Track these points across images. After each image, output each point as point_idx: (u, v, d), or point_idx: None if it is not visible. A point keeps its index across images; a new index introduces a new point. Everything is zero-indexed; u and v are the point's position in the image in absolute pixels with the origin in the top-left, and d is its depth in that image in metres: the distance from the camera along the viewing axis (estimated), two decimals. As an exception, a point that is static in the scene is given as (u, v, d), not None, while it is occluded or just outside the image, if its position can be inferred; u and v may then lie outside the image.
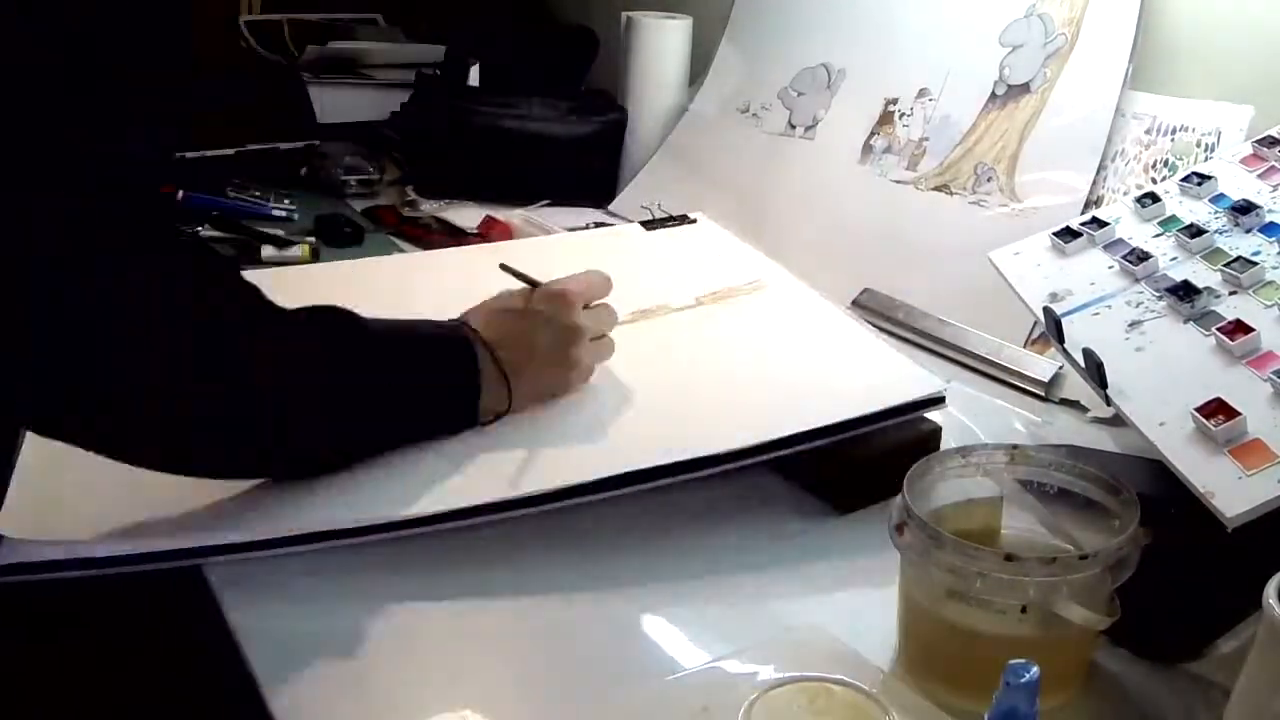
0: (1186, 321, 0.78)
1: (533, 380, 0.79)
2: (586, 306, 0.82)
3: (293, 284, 0.81)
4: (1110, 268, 0.85)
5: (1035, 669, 0.49)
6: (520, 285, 0.83)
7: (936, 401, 0.82)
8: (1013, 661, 0.50)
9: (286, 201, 1.34)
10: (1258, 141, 0.89)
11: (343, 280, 1.07)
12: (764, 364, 0.89)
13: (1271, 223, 0.82)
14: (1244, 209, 0.83)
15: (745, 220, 1.24)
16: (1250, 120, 0.97)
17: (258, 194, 1.34)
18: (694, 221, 1.15)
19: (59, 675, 0.81)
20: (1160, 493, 0.69)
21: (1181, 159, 1.00)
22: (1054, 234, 0.90)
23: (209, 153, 1.41)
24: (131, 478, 0.68)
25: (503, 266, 0.84)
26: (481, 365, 0.77)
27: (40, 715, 0.80)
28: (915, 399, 0.81)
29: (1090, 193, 1.03)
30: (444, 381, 0.77)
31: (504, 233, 1.26)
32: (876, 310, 1.08)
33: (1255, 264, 0.78)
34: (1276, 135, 0.88)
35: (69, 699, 0.81)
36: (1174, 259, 0.83)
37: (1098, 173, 1.03)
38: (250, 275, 0.70)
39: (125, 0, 0.66)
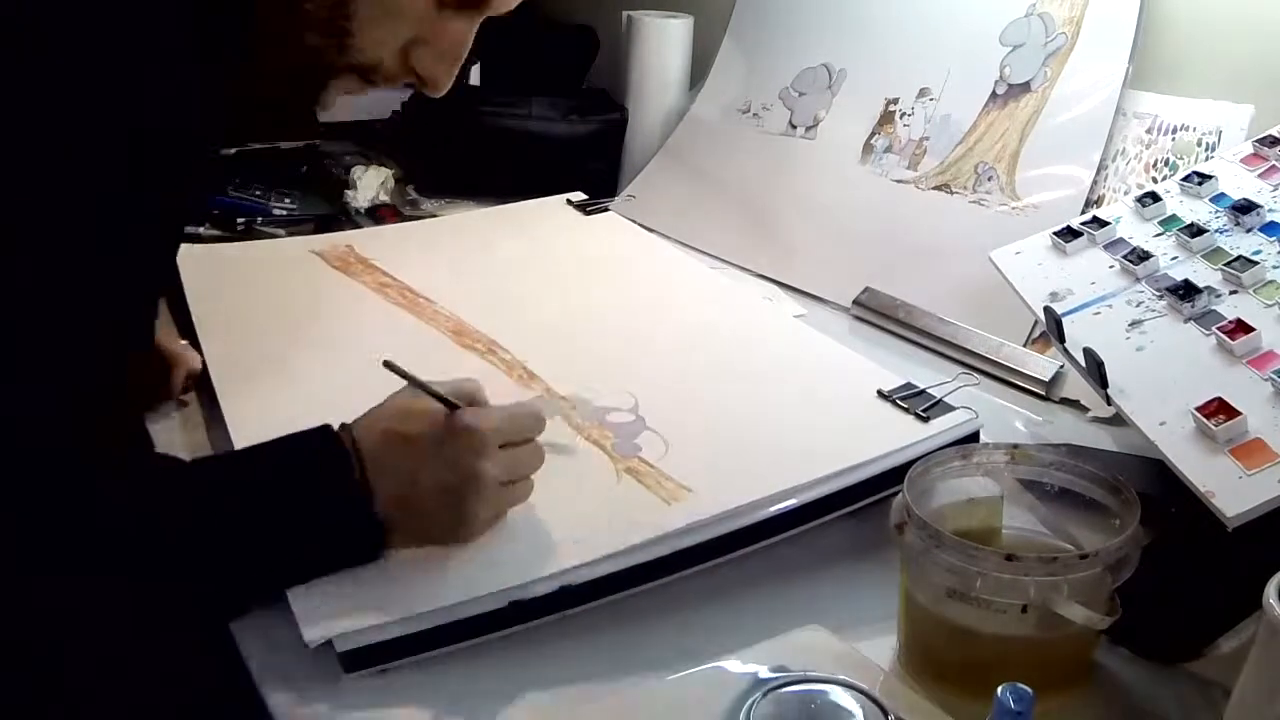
0: (1187, 321, 0.78)
1: (411, 522, 0.68)
2: (505, 446, 0.69)
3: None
4: (1111, 267, 0.85)
5: (1030, 695, 0.50)
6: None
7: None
8: (1009, 686, 0.51)
9: (287, 201, 1.34)
10: (1258, 141, 0.89)
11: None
12: (780, 404, 0.86)
13: (1272, 222, 0.82)
14: (1244, 208, 0.83)
15: (746, 220, 1.25)
16: (1251, 119, 0.97)
17: (259, 193, 1.34)
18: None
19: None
20: (1160, 492, 0.69)
21: (1182, 158, 1.00)
22: (1055, 233, 0.90)
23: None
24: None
25: (387, 365, 0.71)
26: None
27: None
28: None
29: (1091, 192, 1.03)
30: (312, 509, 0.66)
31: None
32: (876, 309, 1.08)
33: (1256, 263, 0.78)
34: (1277, 134, 0.88)
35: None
36: (1175, 258, 0.83)
37: (1098, 172, 1.03)
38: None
39: None
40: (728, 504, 0.71)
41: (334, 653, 0.63)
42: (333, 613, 0.64)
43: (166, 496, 0.64)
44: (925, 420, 0.80)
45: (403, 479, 0.67)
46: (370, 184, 1.39)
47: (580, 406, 0.84)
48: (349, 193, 1.36)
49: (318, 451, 0.67)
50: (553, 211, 1.26)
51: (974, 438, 0.81)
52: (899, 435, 0.79)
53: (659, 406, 0.83)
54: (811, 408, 0.85)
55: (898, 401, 0.83)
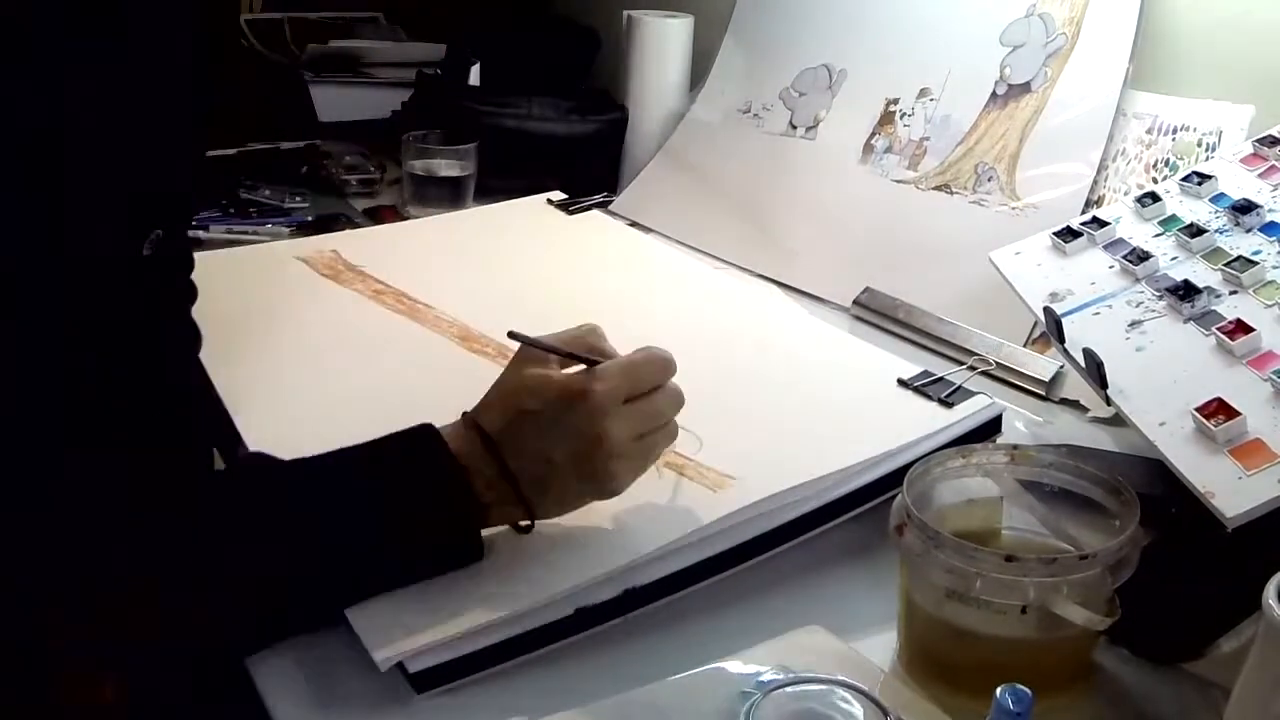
0: (1187, 321, 0.78)
1: (559, 495, 0.68)
2: (633, 400, 0.69)
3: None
4: (1111, 267, 0.85)
5: (1029, 696, 0.50)
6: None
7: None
8: (1008, 687, 0.51)
9: (298, 199, 1.34)
10: (1258, 141, 0.89)
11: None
12: (804, 395, 0.87)
13: (1272, 222, 0.82)
14: (1244, 208, 0.83)
15: (746, 220, 1.25)
16: (1251, 119, 0.97)
17: (267, 193, 1.34)
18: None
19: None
20: (1160, 493, 0.69)
21: (1182, 158, 1.00)
22: (1054, 234, 0.90)
23: (211, 152, 1.41)
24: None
25: (512, 334, 0.71)
26: (476, 482, 0.66)
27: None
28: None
29: (1091, 192, 1.03)
30: (413, 519, 0.66)
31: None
32: (877, 309, 1.08)
33: (1255, 263, 0.78)
34: (1277, 134, 0.88)
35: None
36: (1174, 258, 0.83)
37: (1098, 172, 1.03)
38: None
39: None
40: (778, 488, 0.71)
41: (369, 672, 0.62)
42: (399, 632, 0.63)
43: (266, 497, 0.64)
44: (949, 406, 0.81)
45: (539, 457, 0.67)
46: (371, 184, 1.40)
47: None
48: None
49: (417, 458, 0.67)
50: (534, 211, 1.26)
51: (997, 423, 0.82)
52: (928, 421, 0.80)
53: (685, 402, 0.83)
54: (836, 397, 0.86)
55: (919, 389, 0.83)
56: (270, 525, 0.63)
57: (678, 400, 0.71)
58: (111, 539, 0.59)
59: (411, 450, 0.67)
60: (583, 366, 0.70)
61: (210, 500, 0.64)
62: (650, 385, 0.70)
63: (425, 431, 0.67)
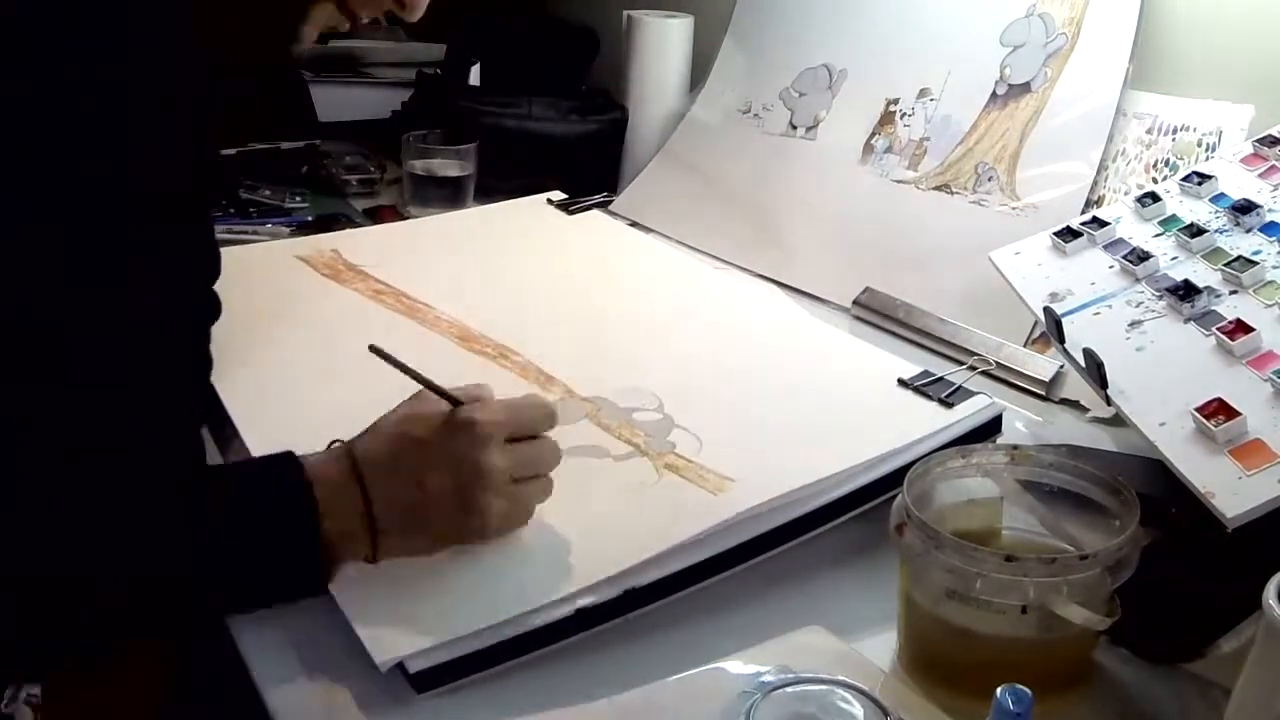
0: (1187, 321, 0.78)
1: (425, 525, 0.67)
2: (515, 440, 0.69)
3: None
4: (1111, 267, 0.85)
5: (1030, 696, 0.50)
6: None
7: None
8: (1008, 687, 0.51)
9: (298, 199, 1.34)
10: (1258, 141, 0.89)
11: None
12: (804, 396, 0.87)
13: (1272, 222, 0.82)
14: (1244, 208, 0.83)
15: (746, 221, 1.25)
16: (1251, 119, 0.97)
17: (268, 193, 1.34)
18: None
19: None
20: (1160, 493, 0.69)
21: (1182, 158, 1.00)
22: (1054, 234, 0.90)
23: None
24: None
25: (373, 349, 0.70)
26: (324, 506, 0.65)
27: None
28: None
29: (1091, 192, 1.03)
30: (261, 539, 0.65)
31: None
32: (877, 309, 1.08)
33: (1256, 263, 0.78)
34: (1277, 134, 0.88)
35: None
36: (1174, 258, 0.83)
37: (1099, 172, 1.03)
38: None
39: None
40: (778, 491, 0.72)
41: (373, 673, 0.62)
42: (398, 633, 0.63)
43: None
44: (949, 406, 0.81)
45: (409, 483, 0.66)
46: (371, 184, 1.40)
47: (605, 407, 0.84)
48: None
49: (274, 483, 0.66)
50: (534, 211, 1.26)
51: (997, 423, 0.82)
52: (929, 421, 0.80)
53: (685, 404, 0.83)
54: (835, 397, 0.86)
55: (920, 389, 0.83)
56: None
57: (556, 455, 0.71)
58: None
59: (266, 476, 0.67)
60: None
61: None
62: (533, 430, 0.70)
63: (284, 459, 0.67)
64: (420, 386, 0.70)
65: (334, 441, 0.69)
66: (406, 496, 0.66)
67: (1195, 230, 0.84)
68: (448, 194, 1.32)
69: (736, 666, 0.62)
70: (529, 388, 0.87)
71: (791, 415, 0.83)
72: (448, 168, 1.33)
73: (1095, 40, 1.07)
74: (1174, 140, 1.01)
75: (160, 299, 0.61)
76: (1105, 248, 0.87)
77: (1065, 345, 0.81)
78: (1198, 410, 0.70)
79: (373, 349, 0.70)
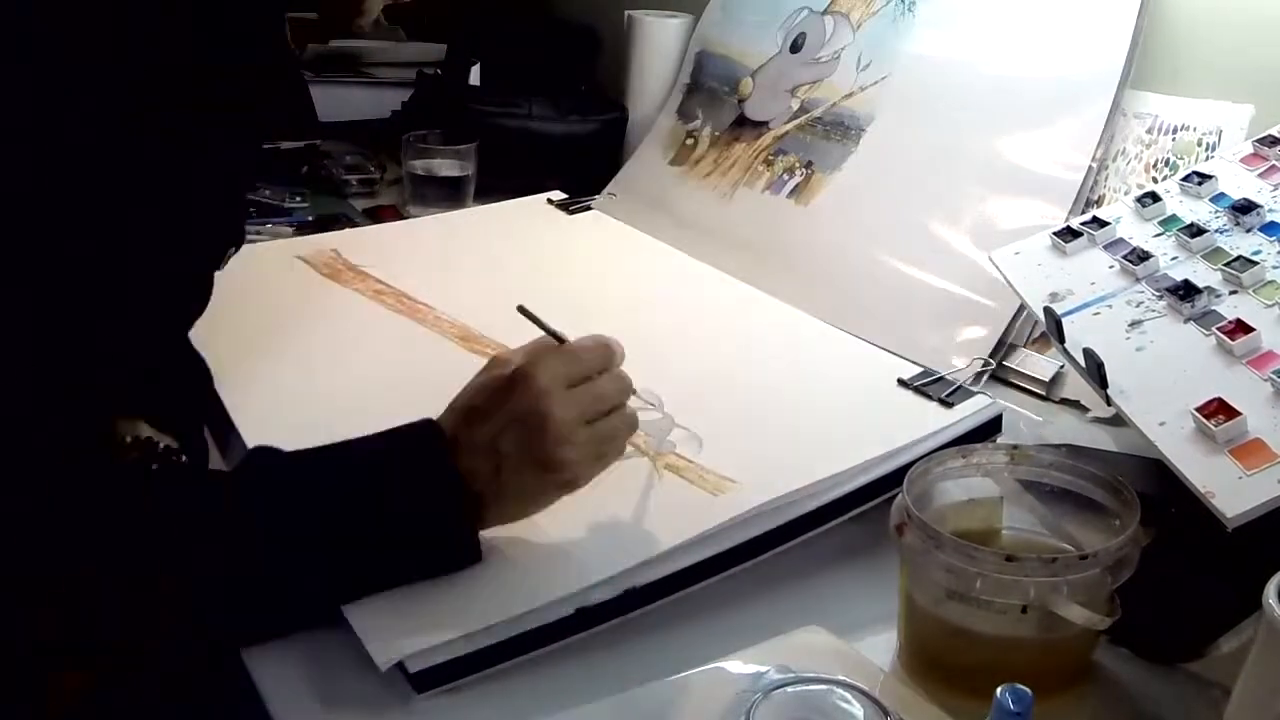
0: (1187, 321, 0.78)
1: (518, 489, 0.68)
2: (573, 385, 0.69)
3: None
4: (1111, 267, 0.85)
5: (1030, 696, 0.50)
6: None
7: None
8: (1008, 686, 0.51)
9: (298, 200, 1.34)
10: (1258, 140, 0.89)
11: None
12: (804, 396, 0.87)
13: (1272, 222, 0.82)
14: (1244, 208, 0.83)
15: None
16: (1251, 119, 0.97)
17: (268, 193, 1.34)
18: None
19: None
20: (1160, 492, 0.69)
21: (1182, 158, 1.00)
22: (1054, 234, 0.90)
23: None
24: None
25: (521, 310, 0.73)
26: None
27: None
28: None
29: (1091, 192, 1.03)
30: (408, 507, 0.66)
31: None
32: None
33: (1256, 263, 0.78)
34: (1277, 134, 0.88)
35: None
36: (1174, 258, 0.83)
37: (1099, 172, 1.03)
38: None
39: None
40: (777, 492, 0.72)
41: (375, 673, 0.62)
42: (399, 633, 0.63)
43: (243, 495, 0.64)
44: (949, 406, 0.81)
45: (489, 451, 0.67)
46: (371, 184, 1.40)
47: None
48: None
49: (410, 456, 0.67)
50: (535, 211, 1.26)
51: (997, 423, 0.82)
52: (929, 421, 0.80)
53: (685, 403, 0.83)
54: (835, 398, 0.86)
55: (919, 389, 0.83)
56: (268, 523, 0.63)
57: (623, 385, 0.71)
58: (115, 534, 0.59)
59: (414, 450, 0.67)
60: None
61: (209, 498, 0.64)
62: (593, 369, 0.70)
63: (428, 430, 0.67)
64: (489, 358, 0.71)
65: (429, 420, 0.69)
66: (486, 466, 0.66)
67: (1195, 230, 0.84)
68: (447, 194, 1.32)
69: (736, 666, 0.62)
70: None
71: (792, 415, 0.83)
72: (447, 168, 1.33)
73: (1095, 40, 1.07)
74: (1174, 140, 1.01)
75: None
76: (1105, 248, 0.87)
77: (1065, 345, 0.81)
78: (1198, 410, 0.70)
79: (521, 310, 0.72)
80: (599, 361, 0.71)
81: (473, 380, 0.71)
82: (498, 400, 0.68)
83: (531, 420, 0.67)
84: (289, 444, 0.68)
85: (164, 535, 0.61)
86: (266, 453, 0.67)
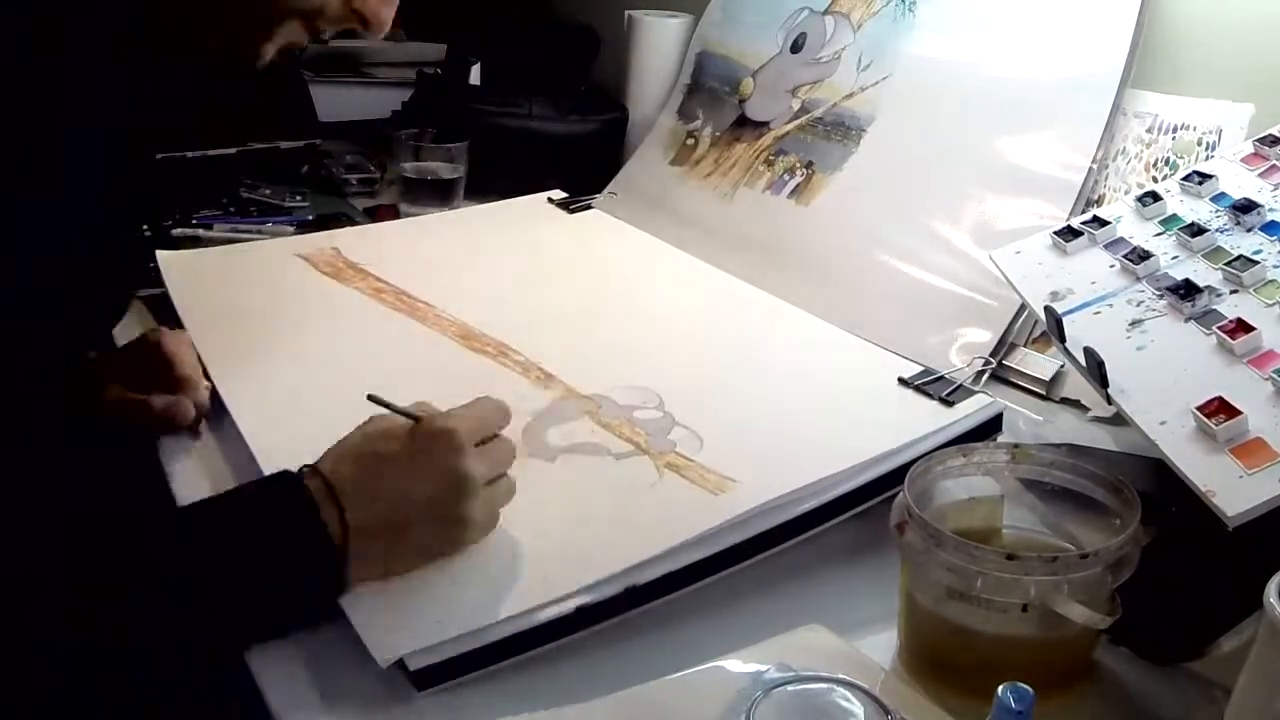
0: (1187, 320, 0.78)
1: (409, 544, 0.66)
2: (478, 444, 0.68)
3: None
4: (1111, 266, 0.85)
5: (1031, 694, 0.50)
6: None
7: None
8: (1009, 685, 0.51)
9: (298, 199, 1.34)
10: (1258, 140, 0.89)
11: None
12: (804, 395, 0.87)
13: (1272, 221, 0.82)
14: (1245, 207, 0.83)
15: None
16: (1251, 118, 0.97)
17: (268, 193, 1.34)
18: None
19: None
20: (1161, 492, 0.69)
21: (1182, 157, 1.00)
22: (1055, 233, 0.90)
23: (211, 152, 1.41)
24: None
25: (370, 398, 0.71)
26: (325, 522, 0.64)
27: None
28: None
29: (1091, 192, 1.03)
30: (272, 560, 0.63)
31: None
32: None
33: (1256, 263, 0.78)
34: (1277, 134, 0.88)
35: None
36: (1175, 258, 0.83)
37: (1100, 172, 1.03)
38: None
39: None
40: (778, 491, 0.71)
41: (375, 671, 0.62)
42: (399, 630, 0.63)
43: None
44: (950, 405, 0.81)
45: (391, 501, 0.65)
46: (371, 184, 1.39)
47: (606, 405, 0.84)
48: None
49: (278, 505, 0.65)
50: (536, 210, 1.26)
51: (997, 421, 0.82)
52: (929, 419, 0.80)
53: (685, 403, 0.83)
54: (836, 397, 0.86)
55: (920, 388, 0.83)
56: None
57: (513, 452, 0.71)
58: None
59: (270, 495, 0.66)
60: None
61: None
62: (495, 429, 0.70)
63: (284, 478, 0.66)
64: (374, 410, 0.69)
65: (303, 467, 0.67)
66: (389, 515, 0.65)
67: (1196, 229, 0.83)
68: (438, 193, 1.32)
69: (736, 665, 0.62)
70: (530, 386, 0.87)
71: (792, 414, 0.83)
72: (439, 168, 1.33)
73: (1095, 39, 1.07)
74: (1174, 139, 1.01)
75: None
76: (1106, 247, 0.87)
77: (1066, 344, 0.81)
78: (1198, 409, 0.70)
79: (371, 398, 0.70)
80: (500, 422, 0.71)
81: (368, 427, 0.69)
82: (411, 449, 0.67)
83: (452, 474, 0.66)
84: (288, 442, 0.68)
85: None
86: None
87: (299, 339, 0.95)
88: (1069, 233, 0.89)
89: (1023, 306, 0.93)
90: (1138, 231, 0.87)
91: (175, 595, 0.61)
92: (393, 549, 0.66)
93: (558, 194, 1.29)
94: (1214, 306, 0.77)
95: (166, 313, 0.98)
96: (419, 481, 0.66)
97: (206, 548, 0.63)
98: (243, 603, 0.63)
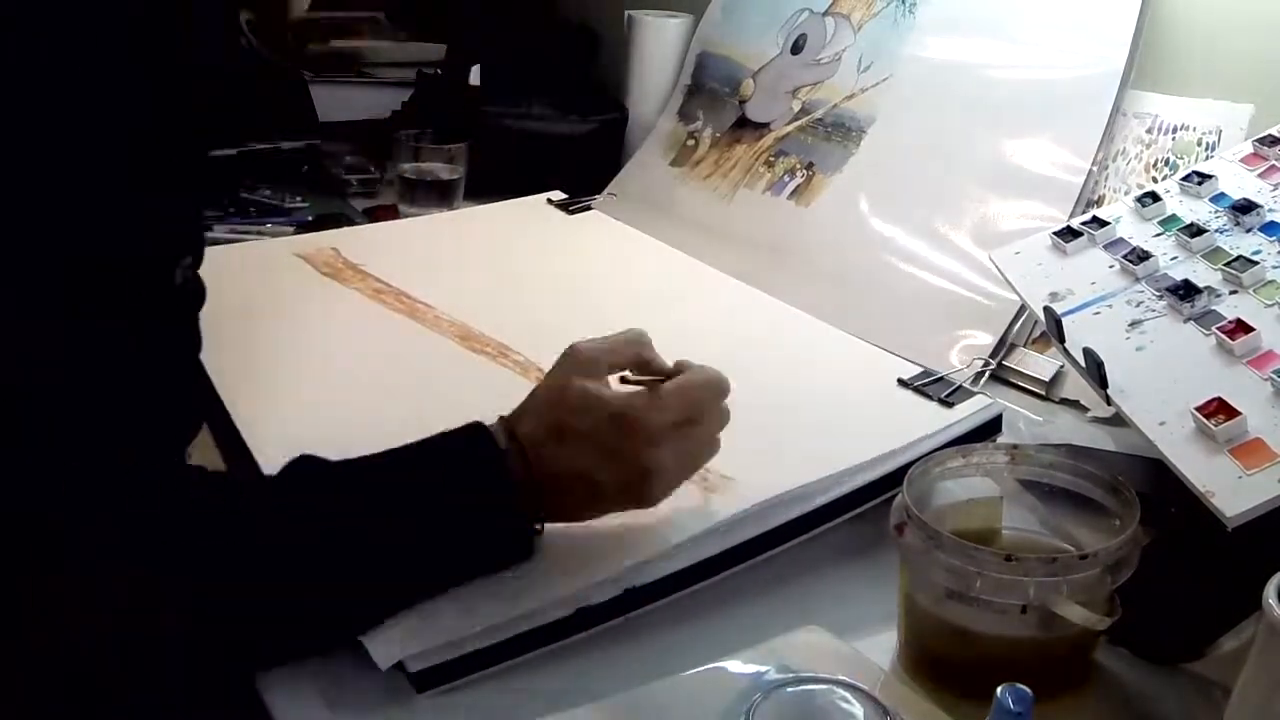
0: (1187, 321, 0.78)
1: (593, 511, 0.68)
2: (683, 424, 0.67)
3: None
4: (1111, 267, 0.85)
5: (1030, 695, 0.50)
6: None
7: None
8: (1008, 686, 0.51)
9: (298, 199, 1.34)
10: (1258, 140, 0.89)
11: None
12: (804, 396, 0.87)
13: (1272, 222, 0.82)
14: (1244, 208, 0.83)
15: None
16: (1250, 119, 0.97)
17: (268, 193, 1.34)
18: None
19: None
20: (1160, 492, 0.69)
21: (1182, 158, 1.00)
22: (1054, 233, 0.90)
23: (210, 152, 1.41)
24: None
25: (624, 380, 0.70)
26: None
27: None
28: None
29: (1091, 192, 1.03)
30: (464, 518, 0.65)
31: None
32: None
33: (1256, 263, 0.78)
34: (1277, 134, 0.88)
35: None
36: (1174, 258, 0.83)
37: (1100, 172, 1.03)
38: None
39: None
40: (777, 492, 0.72)
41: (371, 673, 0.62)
42: (400, 632, 0.63)
43: (310, 501, 0.63)
44: (949, 406, 0.81)
45: (578, 477, 0.66)
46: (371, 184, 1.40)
47: None
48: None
49: (467, 459, 0.66)
50: (535, 211, 1.26)
51: (997, 423, 0.82)
52: (928, 421, 0.80)
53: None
54: (835, 397, 0.86)
55: (920, 389, 0.83)
56: (322, 531, 0.62)
57: (727, 420, 0.70)
58: (168, 542, 0.58)
59: (463, 449, 0.66)
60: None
61: (261, 506, 0.63)
62: (704, 411, 0.69)
63: (476, 430, 0.67)
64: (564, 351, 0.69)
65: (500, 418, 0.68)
66: (574, 486, 0.66)
67: (1195, 230, 0.84)
68: (438, 194, 1.32)
69: (736, 666, 0.62)
70: (529, 387, 0.87)
71: (791, 415, 0.83)
72: (438, 169, 1.33)
73: (1095, 39, 1.07)
74: (1174, 140, 1.01)
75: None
76: (1105, 247, 0.87)
77: (1065, 345, 0.81)
78: (1198, 409, 0.70)
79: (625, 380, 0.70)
80: (711, 403, 0.69)
81: (566, 386, 0.68)
82: (602, 434, 0.66)
83: (639, 468, 0.66)
84: (287, 442, 0.68)
85: (219, 542, 0.60)
86: (308, 461, 0.66)
87: (297, 338, 0.95)
88: (1068, 233, 0.89)
89: (1022, 307, 0.93)
90: (1137, 232, 0.87)
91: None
92: (575, 512, 0.68)
93: (557, 195, 1.29)
94: (1213, 307, 0.77)
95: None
96: (606, 467, 0.66)
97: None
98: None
